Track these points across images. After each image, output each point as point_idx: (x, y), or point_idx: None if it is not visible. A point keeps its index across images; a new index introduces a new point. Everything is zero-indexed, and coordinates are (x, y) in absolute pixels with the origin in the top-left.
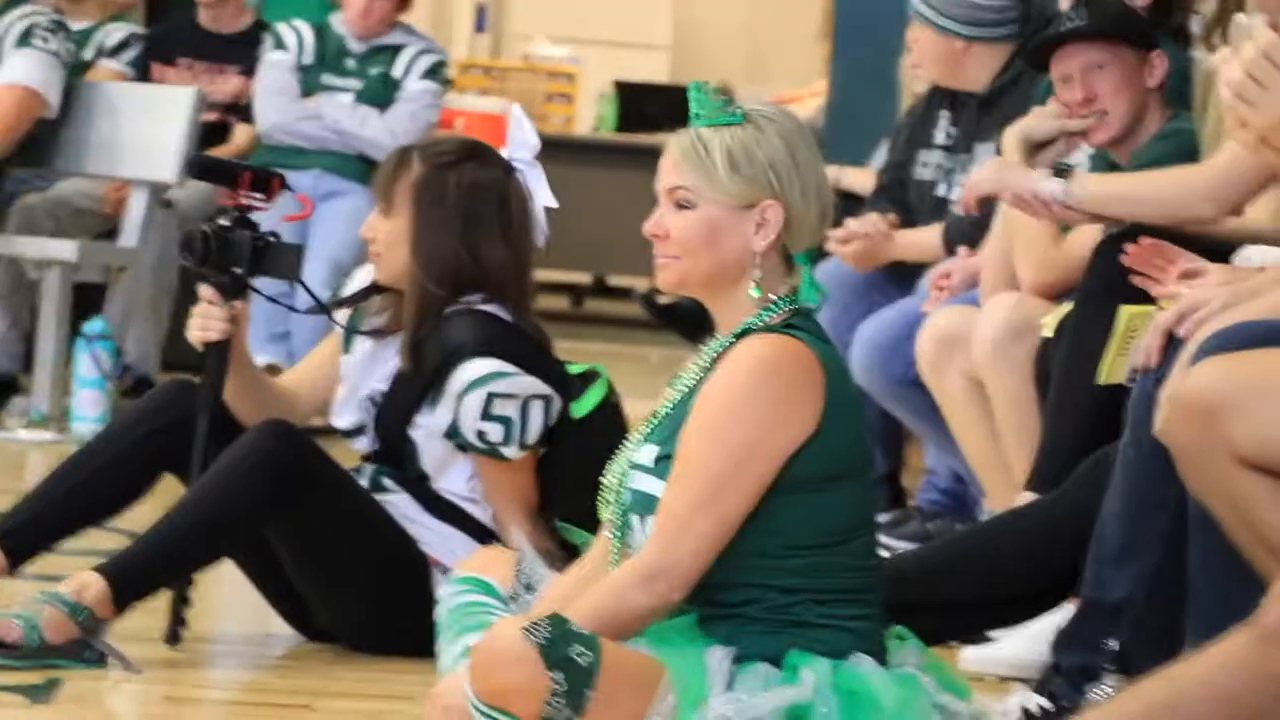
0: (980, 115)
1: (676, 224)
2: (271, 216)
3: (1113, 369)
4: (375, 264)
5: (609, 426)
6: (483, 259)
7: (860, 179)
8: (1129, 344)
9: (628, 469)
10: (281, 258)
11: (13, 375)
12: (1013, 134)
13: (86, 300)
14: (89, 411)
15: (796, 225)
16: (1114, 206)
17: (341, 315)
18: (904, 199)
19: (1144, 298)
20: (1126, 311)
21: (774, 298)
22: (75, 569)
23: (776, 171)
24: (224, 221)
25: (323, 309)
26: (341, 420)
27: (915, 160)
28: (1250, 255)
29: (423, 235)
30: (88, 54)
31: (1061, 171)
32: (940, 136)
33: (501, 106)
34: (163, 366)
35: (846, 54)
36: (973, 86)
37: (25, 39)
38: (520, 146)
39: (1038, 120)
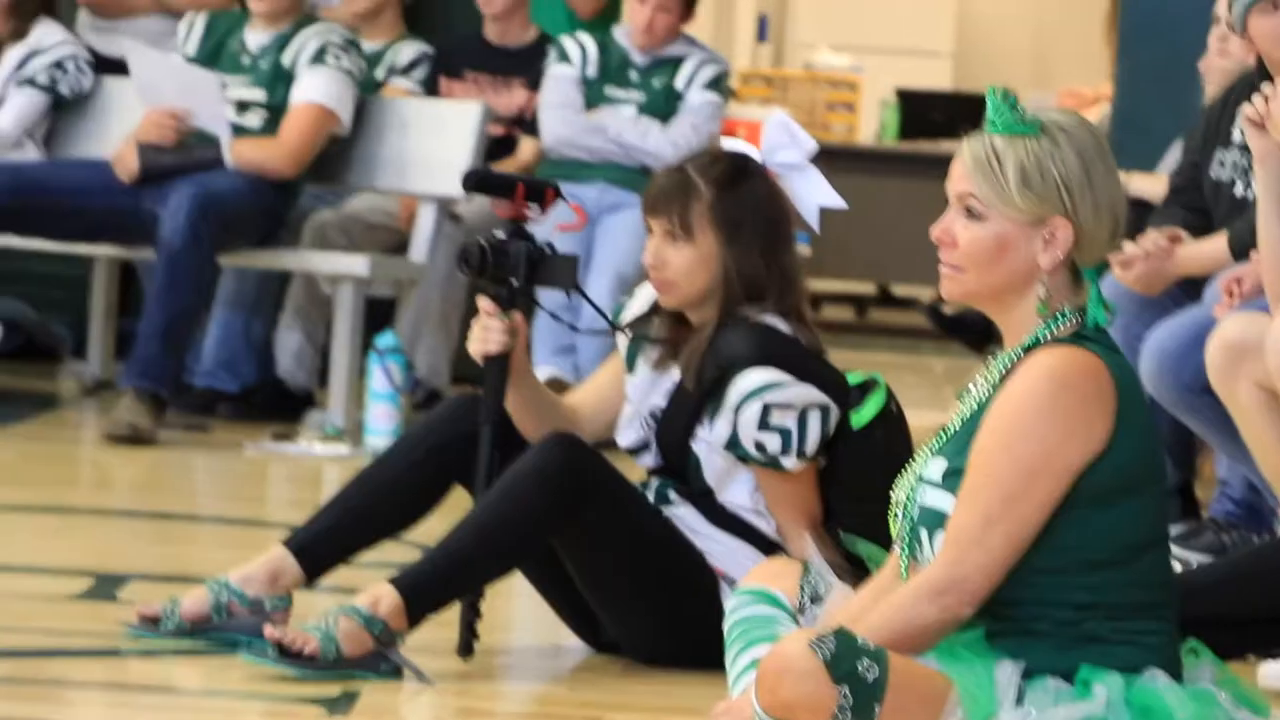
0: None
1: (964, 234)
2: (548, 227)
3: None
4: (664, 291)
5: (890, 436)
6: (785, 271)
7: (1148, 185)
8: None
9: (916, 483)
10: (558, 268)
11: (308, 390)
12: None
13: (378, 314)
14: (382, 425)
15: (1086, 242)
16: None
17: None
18: (1199, 200)
19: None
20: None
21: (1062, 308)
22: (369, 582)
23: (1069, 188)
24: (500, 233)
25: (610, 325)
26: (625, 439)
27: (1212, 159)
28: None
29: (738, 260)
30: (379, 73)
31: None
32: (1238, 134)
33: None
34: (453, 379)
35: (1132, 56)
36: None
37: (319, 57)
38: (786, 149)
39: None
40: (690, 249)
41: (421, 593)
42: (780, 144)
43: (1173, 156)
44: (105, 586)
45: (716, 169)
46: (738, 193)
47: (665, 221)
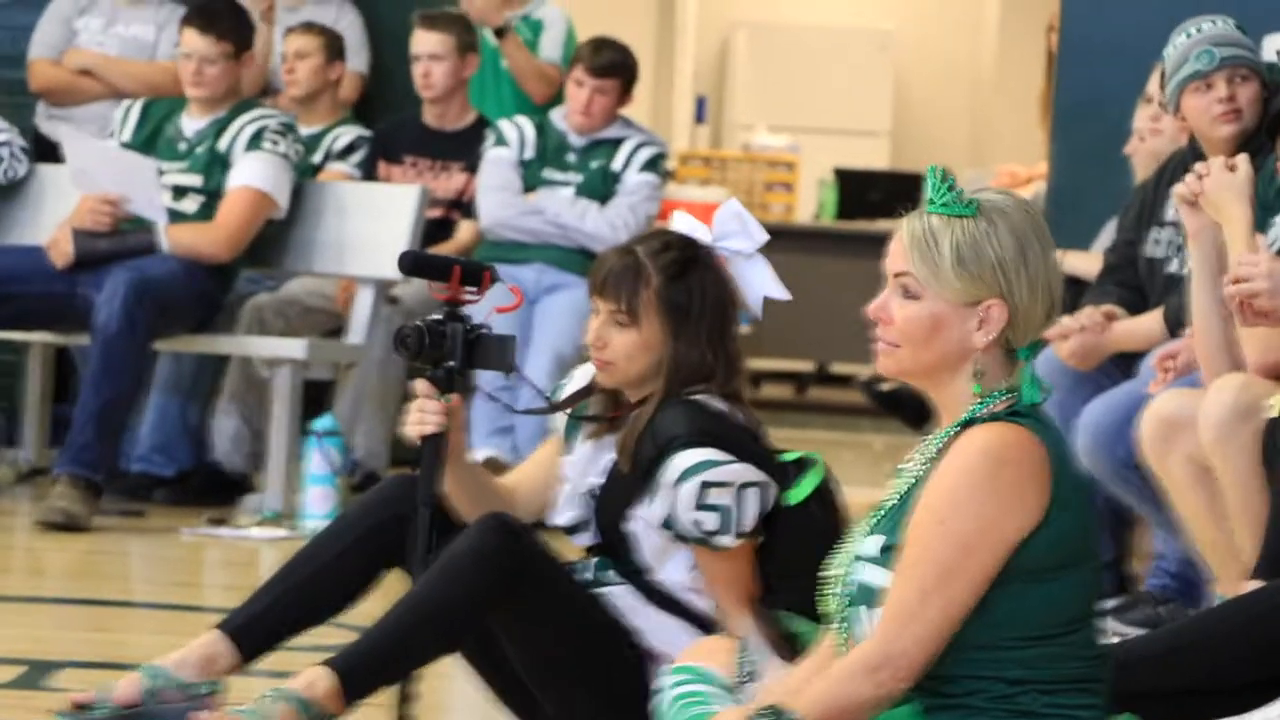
0: None
1: (900, 312)
2: (486, 309)
3: None
4: (604, 370)
5: (826, 513)
6: (729, 356)
7: (1083, 263)
8: None
9: (853, 560)
10: (494, 349)
11: (245, 473)
12: (1245, 215)
13: (315, 397)
14: (319, 508)
15: (1021, 322)
16: None
17: (562, 415)
18: (1133, 278)
19: None
20: None
21: (997, 386)
22: (305, 664)
23: (1004, 270)
24: (436, 316)
25: (549, 406)
26: (561, 518)
27: (1146, 237)
28: None
29: (684, 348)
30: (317, 157)
31: None
32: (1170, 213)
33: (721, 197)
34: (391, 461)
35: (1067, 136)
36: None
37: (255, 141)
38: (736, 237)
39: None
40: (634, 333)
41: (357, 675)
42: (731, 231)
43: (1108, 235)
44: (37, 674)
45: (667, 256)
46: (686, 282)
47: (612, 304)
